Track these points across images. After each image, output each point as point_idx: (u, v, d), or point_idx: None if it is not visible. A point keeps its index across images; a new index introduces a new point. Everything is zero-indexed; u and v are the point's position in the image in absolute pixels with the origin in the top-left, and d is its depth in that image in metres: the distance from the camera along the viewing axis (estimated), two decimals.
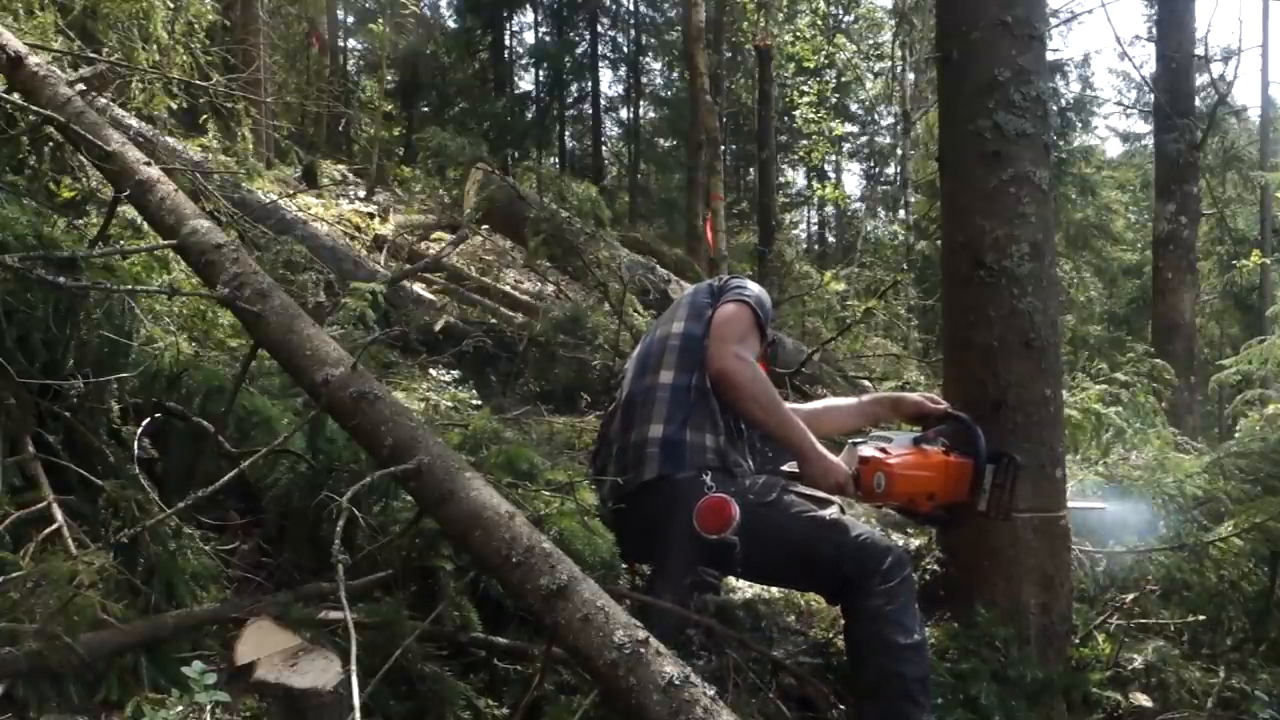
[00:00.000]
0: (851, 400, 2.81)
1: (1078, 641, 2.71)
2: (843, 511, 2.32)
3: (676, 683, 1.55)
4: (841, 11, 19.06)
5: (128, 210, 2.93)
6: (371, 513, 2.35)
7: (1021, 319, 2.56)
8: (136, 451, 2.28)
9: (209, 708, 1.66)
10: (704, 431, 2.28)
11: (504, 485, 2.30)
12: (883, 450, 2.30)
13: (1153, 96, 9.14)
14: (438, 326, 4.84)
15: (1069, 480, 2.94)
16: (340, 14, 17.20)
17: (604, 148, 21.12)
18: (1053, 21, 10.33)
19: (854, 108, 21.77)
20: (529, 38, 20.01)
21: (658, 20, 19.26)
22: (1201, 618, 2.95)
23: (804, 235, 26.40)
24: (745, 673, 2.46)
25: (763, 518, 2.15)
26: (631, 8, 18.96)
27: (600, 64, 19.11)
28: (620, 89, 21.15)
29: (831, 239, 25.10)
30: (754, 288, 2.41)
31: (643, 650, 1.60)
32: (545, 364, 4.79)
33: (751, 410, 2.27)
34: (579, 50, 18.58)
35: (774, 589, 3.20)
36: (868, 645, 2.10)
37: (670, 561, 2.31)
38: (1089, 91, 19.88)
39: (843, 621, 2.25)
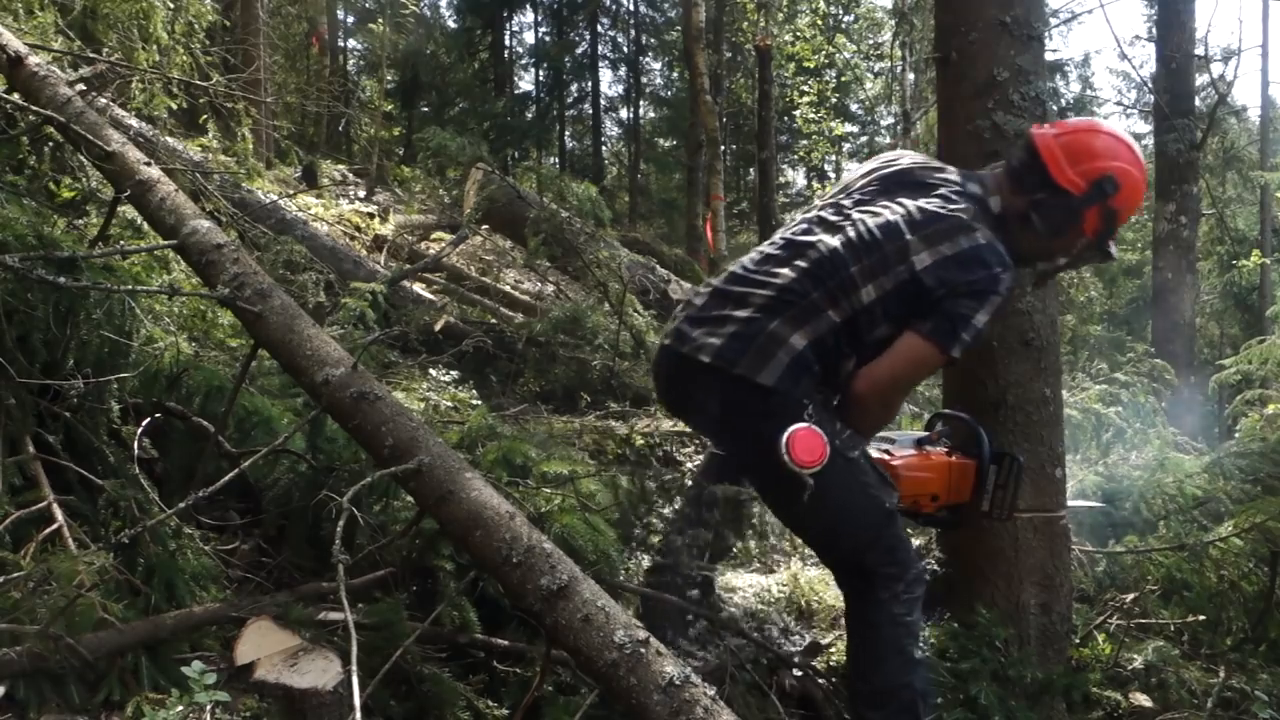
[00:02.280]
0: None
1: (1078, 641, 2.71)
2: None
3: (677, 683, 1.55)
4: (841, 11, 19.06)
5: (128, 210, 2.94)
6: (371, 513, 2.35)
7: (1021, 318, 2.56)
8: (136, 451, 2.28)
9: (209, 708, 1.67)
10: (830, 364, 2.06)
11: (502, 482, 2.30)
12: (886, 452, 2.30)
13: (1152, 96, 9.13)
14: (438, 326, 4.84)
15: (1069, 480, 2.94)
16: (340, 14, 17.21)
17: (604, 148, 21.13)
18: (1052, 21, 10.32)
19: (854, 108, 21.76)
20: (529, 38, 20.05)
21: (658, 20, 19.26)
22: (1201, 618, 2.95)
23: None
24: (745, 671, 2.46)
25: (835, 468, 1.96)
26: (631, 8, 18.97)
27: (600, 64, 19.12)
28: (620, 89, 21.18)
29: None
30: (982, 318, 1.99)
31: (643, 650, 1.60)
32: (545, 364, 4.79)
33: (858, 424, 2.08)
34: (579, 50, 18.58)
35: (774, 589, 3.20)
36: (885, 651, 2.03)
37: (728, 457, 2.22)
38: (1089, 91, 19.91)
39: (848, 621, 2.18)
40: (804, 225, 2.15)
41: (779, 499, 2.15)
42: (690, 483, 2.56)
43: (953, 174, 2.17)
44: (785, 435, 1.93)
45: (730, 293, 2.09)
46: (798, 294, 2.01)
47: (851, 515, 2.05)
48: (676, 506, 2.58)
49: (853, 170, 2.25)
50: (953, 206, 2.04)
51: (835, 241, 2.05)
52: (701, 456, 4.20)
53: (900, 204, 2.07)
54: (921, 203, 2.06)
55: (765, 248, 2.16)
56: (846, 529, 2.07)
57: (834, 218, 2.11)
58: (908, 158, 2.24)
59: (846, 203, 2.15)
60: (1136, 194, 2.12)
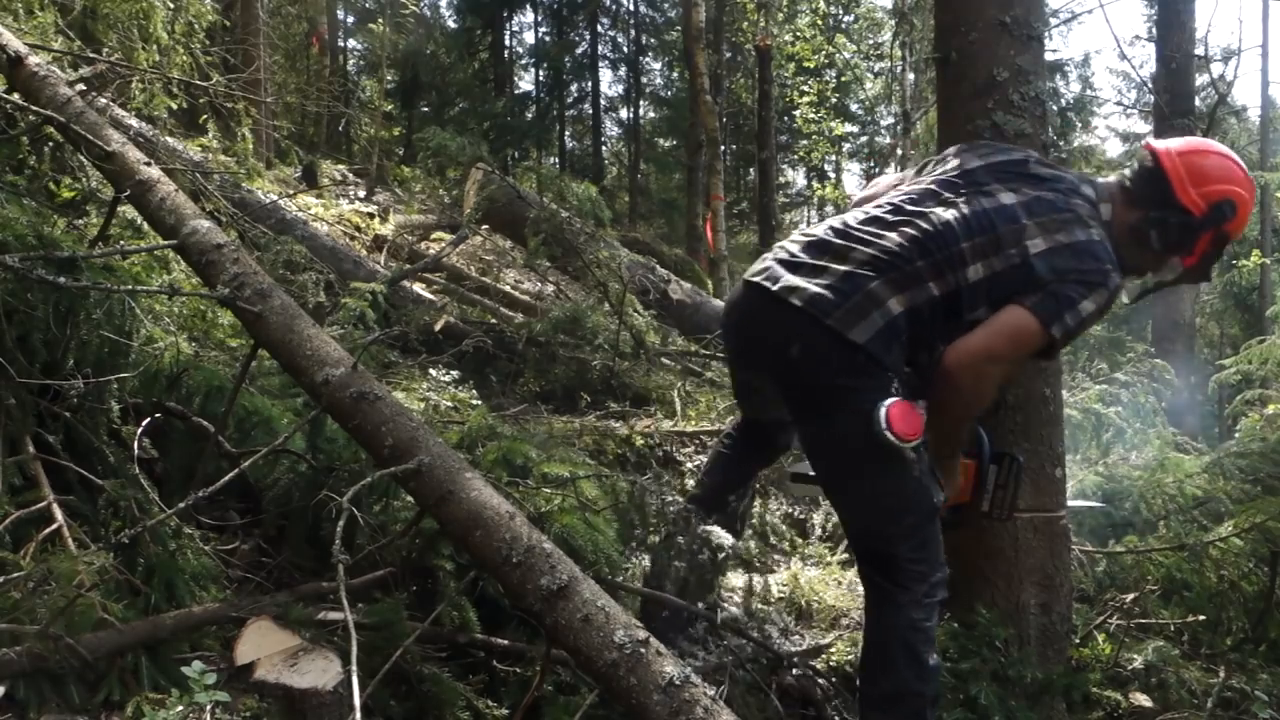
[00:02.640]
0: None
1: (1078, 641, 2.71)
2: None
3: (677, 683, 1.55)
4: (841, 11, 19.06)
5: (128, 210, 2.94)
6: (371, 513, 2.35)
7: None
8: (136, 451, 2.28)
9: (209, 708, 1.67)
10: (919, 338, 2.01)
11: (502, 482, 2.30)
12: None
13: (1152, 96, 9.14)
14: (438, 326, 4.84)
15: (1069, 480, 2.94)
16: (340, 14, 17.21)
17: (604, 148, 21.12)
18: (1052, 21, 10.32)
19: (854, 108, 21.75)
20: (529, 38, 20.03)
21: (658, 20, 19.24)
22: (1201, 618, 2.95)
23: None
24: (745, 670, 2.46)
25: (867, 436, 1.92)
26: (631, 8, 18.96)
27: (600, 64, 19.10)
28: (620, 89, 21.16)
29: None
30: (1088, 305, 1.96)
31: (643, 650, 1.60)
32: (545, 364, 4.78)
33: (947, 406, 2.01)
34: (579, 50, 18.57)
35: (774, 589, 3.20)
36: (899, 654, 1.99)
37: (799, 406, 2.09)
38: (1089, 91, 19.90)
39: (866, 620, 2.11)
40: (914, 194, 2.11)
41: (832, 464, 2.08)
42: (685, 509, 2.54)
43: (1069, 174, 2.16)
44: (884, 405, 1.89)
45: (830, 244, 2.04)
46: (903, 259, 1.97)
47: (901, 499, 1.99)
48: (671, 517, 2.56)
49: (966, 152, 2.19)
50: (1071, 200, 2.05)
51: (948, 215, 2.02)
52: (702, 457, 4.20)
53: (1018, 190, 2.06)
54: (1040, 193, 2.05)
55: (871, 209, 2.11)
56: (891, 511, 2.01)
57: (947, 193, 2.08)
58: (1027, 152, 2.21)
59: (960, 180, 2.11)
60: (1246, 219, 2.14)
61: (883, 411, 1.89)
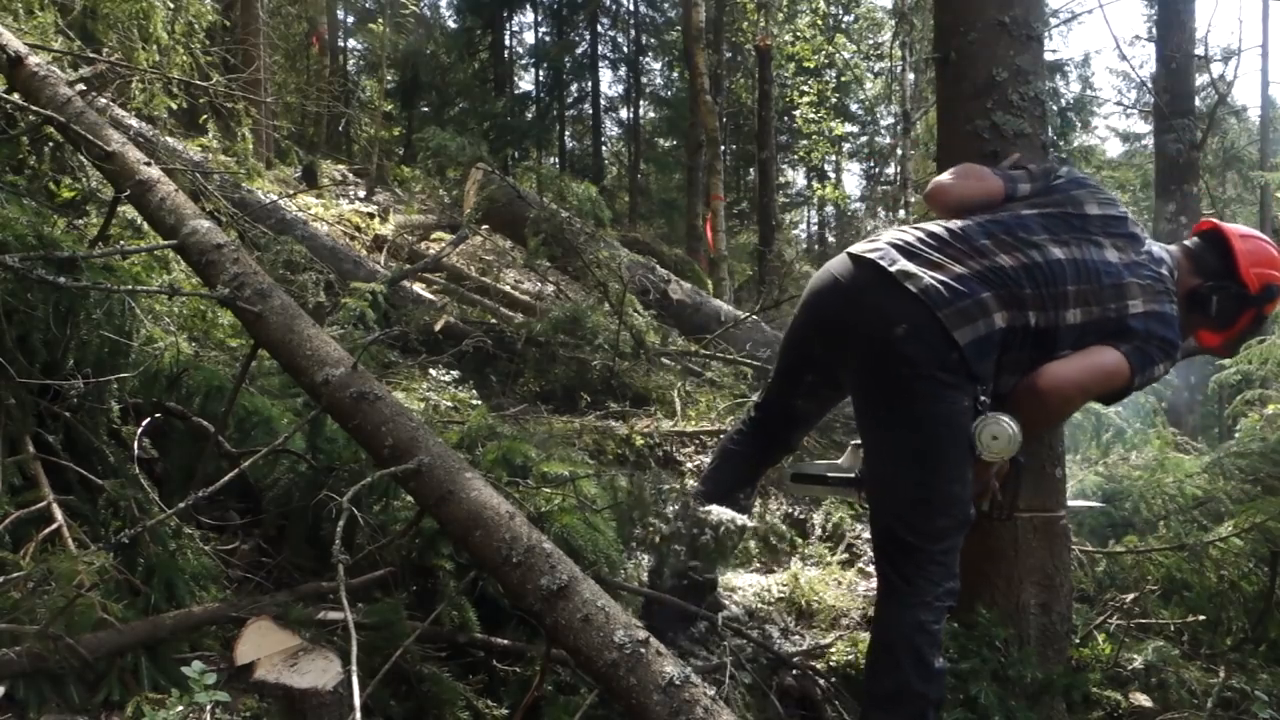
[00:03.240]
0: None
1: (1078, 641, 2.71)
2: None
3: (677, 683, 1.55)
4: (841, 11, 19.06)
5: (128, 210, 2.94)
6: (371, 513, 2.35)
7: None
8: (136, 451, 2.28)
9: (209, 708, 1.67)
10: (1008, 359, 2.09)
11: (502, 482, 2.30)
12: None
13: (1152, 96, 9.14)
14: (438, 326, 4.84)
15: (1069, 480, 2.94)
16: (340, 14, 17.21)
17: (604, 148, 21.11)
18: (1052, 22, 10.32)
19: (854, 108, 21.75)
20: (529, 38, 20.02)
21: (658, 20, 19.23)
22: (1201, 618, 2.95)
23: (804, 235, 26.40)
24: (744, 670, 2.46)
25: (951, 439, 2.03)
26: (631, 8, 18.94)
27: (600, 64, 19.08)
28: (620, 89, 21.15)
29: (831, 239, 25.07)
30: (1160, 370, 2.14)
31: (643, 650, 1.60)
32: (545, 364, 4.78)
33: (1033, 419, 2.11)
34: (579, 50, 18.55)
35: (774, 589, 3.20)
36: (904, 653, 2.01)
37: (877, 387, 2.12)
38: (1089, 91, 19.87)
39: (875, 618, 2.14)
40: (1030, 221, 2.17)
41: (893, 450, 2.11)
42: (689, 500, 2.54)
43: (1150, 241, 2.27)
44: (1012, 421, 2.03)
45: (948, 245, 2.11)
46: (1013, 282, 2.06)
47: (947, 501, 2.05)
48: (674, 513, 2.57)
49: (1085, 190, 2.25)
50: (1160, 270, 2.20)
51: (1061, 254, 2.12)
52: (702, 457, 4.20)
53: (1121, 249, 2.17)
54: (1138, 258, 2.18)
55: (986, 221, 2.17)
56: (933, 510, 2.05)
57: (1063, 231, 2.16)
58: (1127, 212, 2.30)
59: (1076, 222, 2.19)
60: (1273, 309, 2.34)
61: (1014, 428, 2.02)
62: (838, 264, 2.23)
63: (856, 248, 2.19)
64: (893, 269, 2.06)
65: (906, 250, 2.11)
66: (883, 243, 2.16)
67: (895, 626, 2.06)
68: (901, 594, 2.05)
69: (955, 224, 2.17)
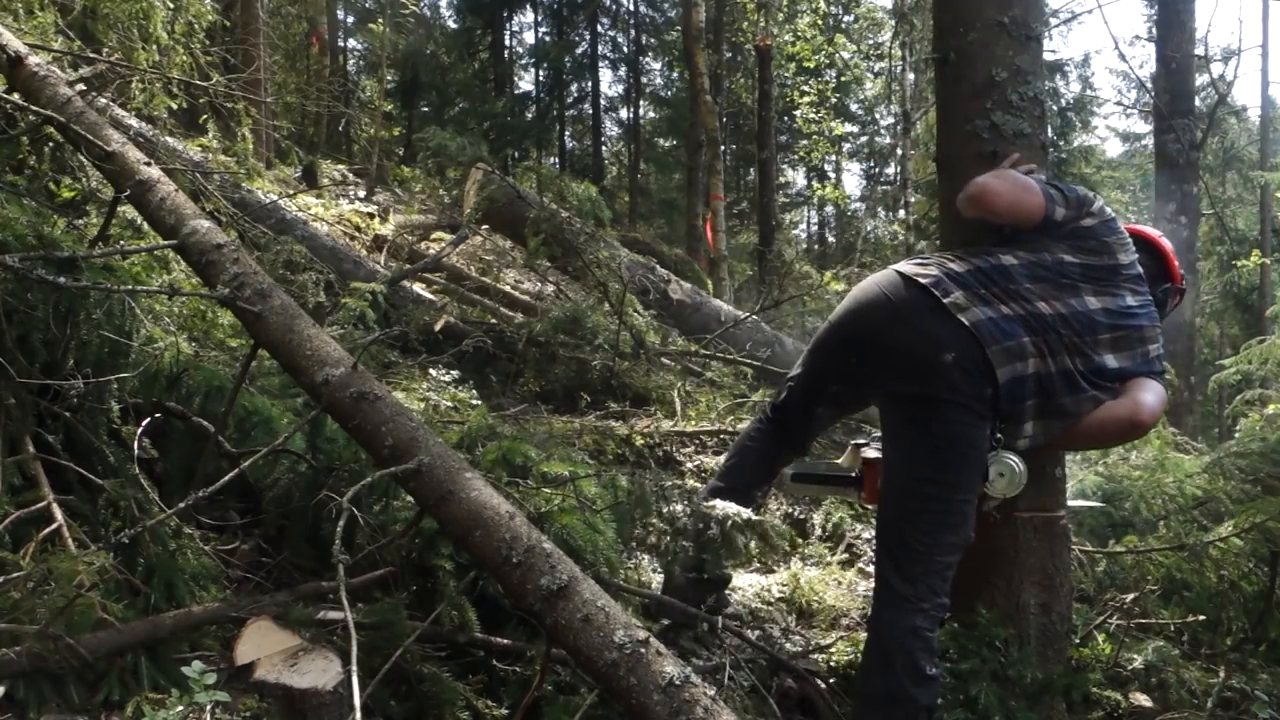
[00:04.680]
0: None
1: (1078, 641, 2.71)
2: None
3: (677, 683, 1.55)
4: (841, 11, 19.06)
5: (128, 210, 2.94)
6: (371, 513, 2.35)
7: None
8: (136, 451, 2.28)
9: (209, 708, 1.67)
10: (1056, 408, 2.21)
11: (502, 482, 2.30)
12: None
13: (1152, 96, 9.14)
14: (438, 326, 4.84)
15: (1069, 480, 2.94)
16: (340, 14, 17.20)
17: (604, 148, 21.09)
18: (1052, 22, 10.32)
19: (854, 108, 21.76)
20: (529, 38, 20.01)
21: (658, 20, 19.22)
22: (1201, 618, 2.95)
23: (804, 235, 26.39)
24: (744, 671, 2.46)
25: (972, 463, 2.14)
26: (631, 8, 18.92)
27: (600, 64, 19.06)
28: (620, 89, 21.13)
29: (831, 239, 25.07)
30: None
31: (643, 650, 1.60)
32: (545, 364, 4.79)
33: (1117, 440, 2.46)
34: (579, 50, 18.53)
35: (774, 589, 3.20)
36: (898, 658, 2.04)
37: (914, 405, 2.19)
38: (1089, 91, 19.86)
39: (870, 623, 2.17)
40: (1069, 269, 2.25)
41: (919, 467, 2.17)
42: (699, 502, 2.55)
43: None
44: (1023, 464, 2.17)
45: (994, 282, 2.19)
46: (1050, 330, 2.16)
47: (957, 519, 2.13)
48: (681, 511, 2.57)
49: (1118, 239, 2.32)
50: (1154, 310, 2.35)
51: (1097, 304, 2.22)
52: (702, 457, 4.20)
53: (1136, 294, 2.29)
54: (1146, 301, 2.31)
55: (1030, 262, 2.24)
56: (942, 525, 2.12)
57: (1099, 279, 2.25)
58: (1134, 256, 2.36)
59: (1109, 274, 2.28)
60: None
61: (1021, 469, 2.17)
62: (887, 282, 2.27)
63: (908, 269, 2.25)
64: (947, 300, 2.14)
65: (958, 279, 2.19)
66: (935, 269, 2.23)
67: (891, 631, 2.09)
68: (901, 598, 2.09)
69: (1001, 260, 2.24)
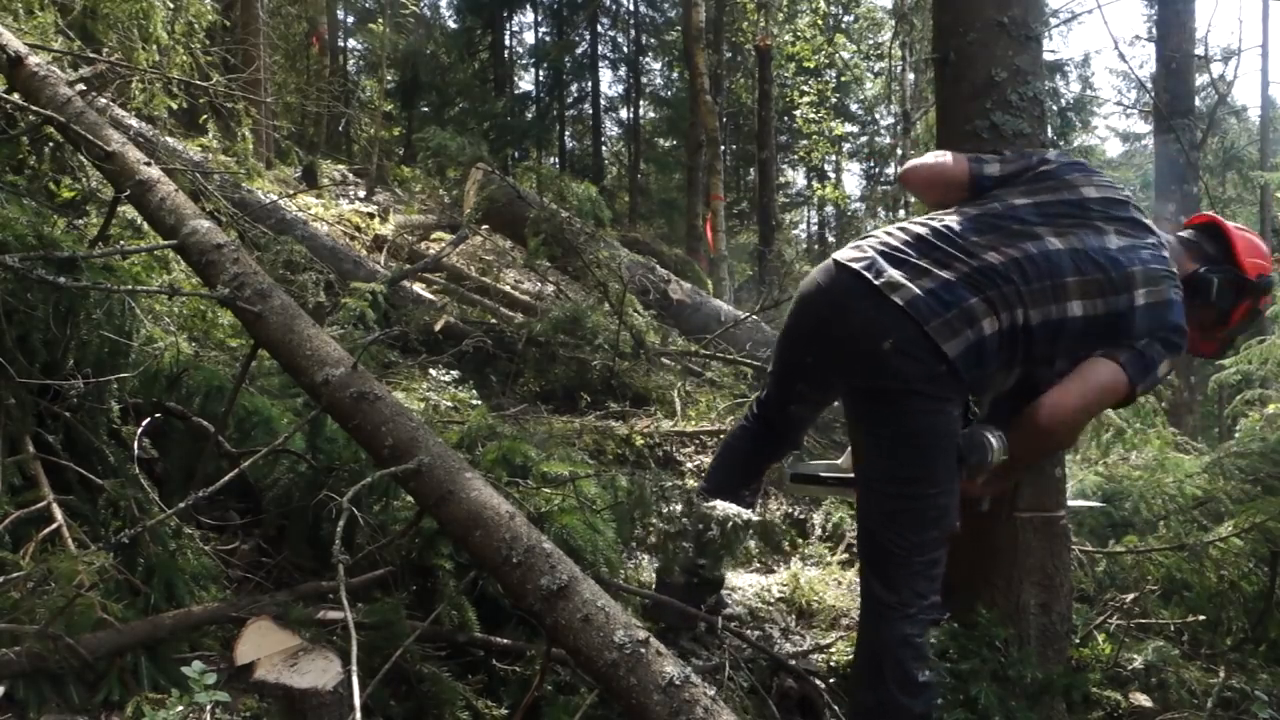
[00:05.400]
0: None
1: (1078, 641, 2.71)
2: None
3: (677, 683, 1.55)
4: (841, 11, 19.06)
5: (128, 210, 2.94)
6: (371, 513, 2.35)
7: None
8: (136, 451, 2.28)
9: (209, 708, 1.67)
10: (1004, 364, 2.02)
11: (502, 482, 2.30)
12: None
13: (1153, 97, 9.14)
14: (438, 326, 4.84)
15: (1069, 480, 2.94)
16: (340, 14, 17.21)
17: (604, 148, 21.11)
18: (1052, 22, 10.32)
19: (854, 108, 21.77)
20: (529, 38, 20.04)
21: (658, 20, 19.23)
22: (1201, 618, 2.95)
23: (804, 235, 26.39)
24: (744, 671, 2.46)
25: (939, 451, 1.99)
26: (631, 8, 18.94)
27: (600, 64, 19.09)
28: (620, 89, 21.16)
29: (831, 239, 25.06)
30: (1164, 369, 2.06)
31: (643, 650, 1.60)
32: (545, 364, 4.79)
33: (1035, 451, 2.13)
34: (579, 50, 18.55)
35: (774, 589, 3.20)
36: (889, 668, 1.97)
37: (865, 399, 2.07)
38: (1089, 91, 19.89)
39: (859, 633, 2.12)
40: (1023, 211, 2.09)
41: (881, 463, 2.06)
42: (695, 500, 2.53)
43: (1153, 225, 2.18)
44: (996, 434, 2.01)
45: (935, 247, 2.04)
46: (1003, 280, 1.98)
47: (933, 512, 2.01)
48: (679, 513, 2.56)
49: (1080, 173, 2.17)
50: (1163, 254, 2.10)
51: (1059, 244, 2.03)
52: (702, 457, 4.20)
53: (1122, 233, 2.08)
54: (1141, 241, 2.09)
55: (977, 213, 2.09)
56: (919, 522, 2.01)
57: (1060, 218, 2.07)
58: (1128, 194, 2.21)
59: (1075, 209, 2.10)
60: (1266, 303, 2.30)
61: (997, 442, 2.01)
62: (823, 273, 2.16)
63: (842, 254, 2.13)
64: (879, 281, 2.00)
65: (892, 256, 2.04)
66: (868, 249, 2.09)
67: (879, 641, 2.02)
68: (886, 606, 2.01)
69: (943, 221, 2.10)
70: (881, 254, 2.05)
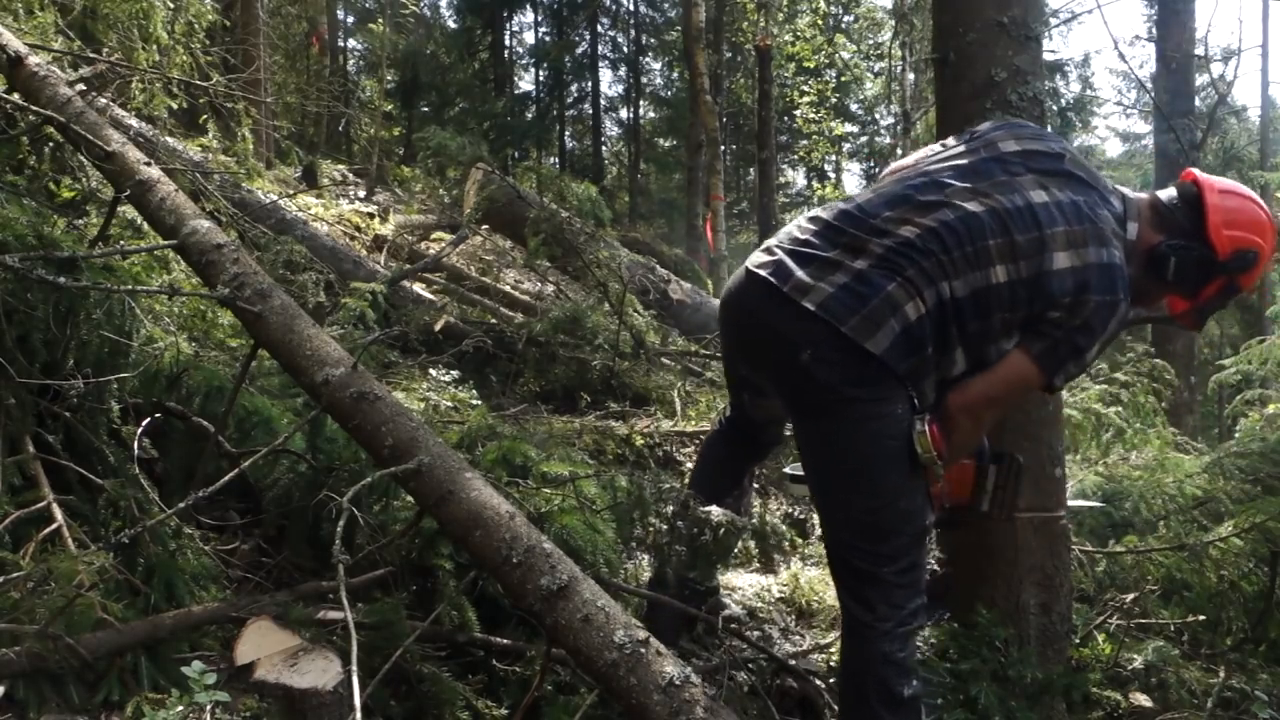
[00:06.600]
0: None
1: (1078, 641, 2.71)
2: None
3: (677, 683, 1.55)
4: (841, 11, 19.07)
5: (128, 210, 2.94)
6: (371, 513, 2.35)
7: None
8: (136, 451, 2.28)
9: (209, 708, 1.67)
10: (943, 345, 1.87)
11: (502, 482, 2.30)
12: None
13: (1153, 96, 9.14)
14: (438, 326, 4.84)
15: (1069, 480, 2.94)
16: (340, 14, 17.21)
17: (604, 148, 21.12)
18: (1052, 22, 10.32)
19: (854, 108, 21.77)
20: (529, 38, 20.05)
21: (658, 20, 19.25)
22: (1201, 618, 2.95)
23: None
24: (745, 672, 2.46)
25: (886, 456, 1.84)
26: (631, 8, 18.96)
27: (600, 64, 19.11)
28: (620, 89, 21.18)
29: None
30: (1092, 353, 1.89)
31: (643, 650, 1.60)
32: (545, 364, 4.78)
33: (958, 440, 1.94)
34: (579, 50, 18.56)
35: (775, 589, 3.20)
36: (872, 688, 1.89)
37: (801, 411, 1.95)
38: (1089, 91, 19.88)
39: (840, 650, 2.03)
40: (939, 177, 1.95)
41: (830, 474, 1.95)
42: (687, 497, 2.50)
43: (1103, 180, 2.01)
44: (925, 422, 1.84)
45: (844, 233, 1.89)
46: (921, 255, 1.82)
47: (896, 516, 1.89)
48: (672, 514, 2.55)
49: (1003, 130, 2.02)
50: (1098, 212, 1.90)
51: (975, 207, 1.86)
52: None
53: (1048, 189, 1.89)
54: (1068, 196, 1.89)
55: (890, 187, 1.96)
56: (883, 529, 1.89)
57: (978, 181, 1.91)
58: (1065, 145, 2.03)
59: (994, 167, 1.94)
60: (1259, 274, 2.04)
61: (926, 429, 1.84)
62: (735, 283, 2.03)
63: (753, 259, 1.98)
64: (786, 288, 1.86)
65: (800, 254, 1.90)
66: (776, 250, 1.95)
67: (860, 660, 1.93)
68: (863, 626, 1.91)
69: (855, 201, 1.96)
70: (790, 253, 1.92)
